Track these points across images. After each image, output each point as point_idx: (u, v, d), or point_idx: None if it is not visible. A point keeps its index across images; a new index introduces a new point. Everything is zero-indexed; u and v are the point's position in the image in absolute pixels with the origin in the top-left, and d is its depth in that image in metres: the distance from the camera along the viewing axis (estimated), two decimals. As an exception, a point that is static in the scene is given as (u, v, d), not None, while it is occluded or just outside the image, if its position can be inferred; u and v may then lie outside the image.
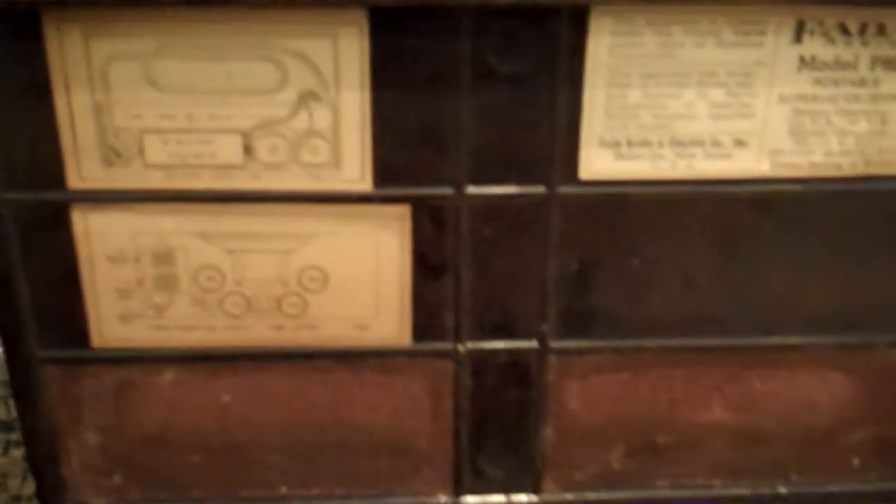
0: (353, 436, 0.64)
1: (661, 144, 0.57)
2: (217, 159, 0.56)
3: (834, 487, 0.68)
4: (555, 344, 0.62)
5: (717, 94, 0.56)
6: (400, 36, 0.53)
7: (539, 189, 0.57)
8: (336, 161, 0.56)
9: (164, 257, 0.58)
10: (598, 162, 0.57)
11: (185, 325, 0.60)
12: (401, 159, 0.56)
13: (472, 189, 0.57)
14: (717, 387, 0.65)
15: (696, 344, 0.63)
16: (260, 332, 0.60)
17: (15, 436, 0.81)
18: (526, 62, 0.54)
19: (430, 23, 0.53)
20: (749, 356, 0.64)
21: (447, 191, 0.57)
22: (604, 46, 0.54)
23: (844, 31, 0.55)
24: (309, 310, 0.60)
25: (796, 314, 0.62)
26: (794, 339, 0.63)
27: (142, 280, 0.59)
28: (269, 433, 0.64)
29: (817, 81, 0.56)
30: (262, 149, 0.55)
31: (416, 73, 0.54)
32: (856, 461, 0.67)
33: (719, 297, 0.61)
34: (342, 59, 0.54)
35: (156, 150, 0.55)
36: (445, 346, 0.61)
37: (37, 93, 0.54)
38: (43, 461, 0.64)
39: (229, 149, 0.55)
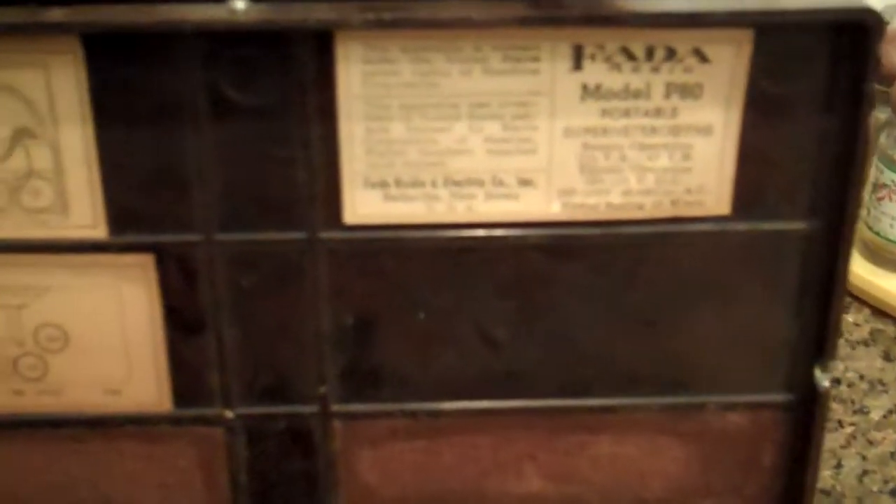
0: (116, 512, 0.58)
1: (434, 184, 0.51)
2: (-71, 206, 0.50)
3: (672, 564, 0.62)
4: (337, 408, 0.56)
5: (493, 128, 0.50)
6: (122, 65, 0.48)
7: (299, 234, 0.52)
8: (63, 205, 0.50)
9: None
10: (364, 204, 0.51)
11: (-88, 391, 0.55)
12: (139, 203, 0.51)
13: (222, 236, 0.52)
14: (529, 454, 0.58)
15: (500, 406, 0.57)
16: (-2, 398, 0.55)
17: None
18: (268, 93, 0.49)
19: (154, 51, 0.48)
20: (562, 419, 0.57)
21: (194, 237, 0.52)
22: (356, 75, 0.49)
23: (629, 55, 0.49)
24: (50, 373, 0.54)
25: (612, 373, 0.56)
26: (612, 401, 0.57)
27: None
28: (21, 510, 0.58)
29: (605, 112, 0.50)
30: (-23, 193, 0.50)
31: (144, 107, 0.49)
32: (694, 536, 0.61)
33: (522, 354, 0.56)
34: (57, 91, 0.48)
35: None
36: (212, 411, 0.55)
37: None
38: None
39: (-59, 194, 0.50)
